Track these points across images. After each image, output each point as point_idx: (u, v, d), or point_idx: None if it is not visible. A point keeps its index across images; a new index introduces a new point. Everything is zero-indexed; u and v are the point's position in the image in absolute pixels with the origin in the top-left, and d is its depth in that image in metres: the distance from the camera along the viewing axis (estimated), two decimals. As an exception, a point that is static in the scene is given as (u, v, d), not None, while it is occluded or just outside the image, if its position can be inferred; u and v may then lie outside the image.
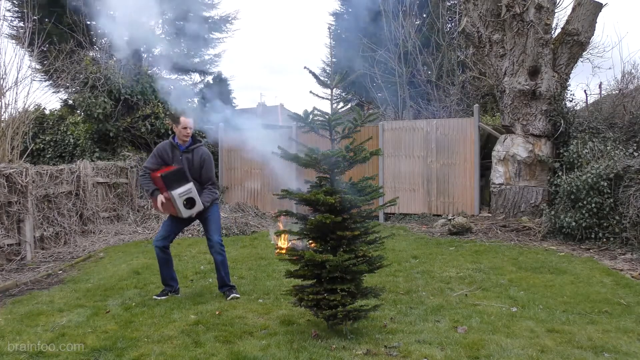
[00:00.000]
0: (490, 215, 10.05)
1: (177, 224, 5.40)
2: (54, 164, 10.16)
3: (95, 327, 4.45)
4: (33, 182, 7.71)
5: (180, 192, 5.01)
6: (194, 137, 5.39)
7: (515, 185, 9.70)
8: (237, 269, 6.65)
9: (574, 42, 9.57)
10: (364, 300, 4.27)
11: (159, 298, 5.25)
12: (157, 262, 5.38)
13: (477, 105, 10.95)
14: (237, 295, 5.25)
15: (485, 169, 10.61)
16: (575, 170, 8.55)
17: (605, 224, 7.72)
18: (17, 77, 8.96)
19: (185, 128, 5.22)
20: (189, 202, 5.05)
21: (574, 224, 7.91)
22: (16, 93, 9.02)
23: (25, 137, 9.26)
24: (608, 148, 8.59)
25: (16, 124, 8.80)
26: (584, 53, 10.38)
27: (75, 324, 4.56)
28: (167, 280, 5.41)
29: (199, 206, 5.13)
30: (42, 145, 12.39)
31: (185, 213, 5.09)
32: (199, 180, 5.27)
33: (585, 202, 7.79)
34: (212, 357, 3.77)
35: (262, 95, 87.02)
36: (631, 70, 10.80)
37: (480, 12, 9.91)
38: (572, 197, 7.99)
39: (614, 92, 11.09)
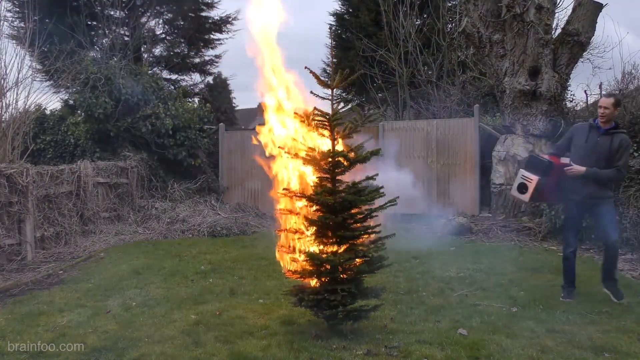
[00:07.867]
0: (490, 215, 10.04)
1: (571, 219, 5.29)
2: (54, 164, 10.13)
3: (96, 327, 4.46)
4: (34, 182, 7.71)
5: (523, 174, 5.28)
6: (617, 123, 4.97)
7: (516, 186, 9.69)
8: (237, 269, 6.66)
9: (574, 43, 9.56)
10: (364, 300, 4.27)
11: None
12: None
13: (477, 105, 10.94)
14: (614, 299, 4.99)
15: (485, 169, 10.59)
16: (576, 170, 8.53)
17: (605, 224, 7.71)
18: (18, 78, 8.97)
19: (600, 107, 4.92)
20: (520, 187, 5.30)
21: (574, 224, 7.89)
22: (17, 93, 9.04)
23: (25, 137, 9.25)
24: (608, 148, 8.57)
25: (17, 124, 8.80)
26: (584, 53, 10.36)
27: (75, 324, 4.57)
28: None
29: (527, 197, 5.25)
30: (42, 146, 12.37)
31: (513, 190, 5.45)
32: (611, 166, 4.87)
33: (585, 203, 7.77)
34: (212, 357, 3.78)
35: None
36: (631, 70, 10.78)
37: (480, 13, 9.91)
38: (573, 197, 7.97)
39: (614, 93, 11.07)
